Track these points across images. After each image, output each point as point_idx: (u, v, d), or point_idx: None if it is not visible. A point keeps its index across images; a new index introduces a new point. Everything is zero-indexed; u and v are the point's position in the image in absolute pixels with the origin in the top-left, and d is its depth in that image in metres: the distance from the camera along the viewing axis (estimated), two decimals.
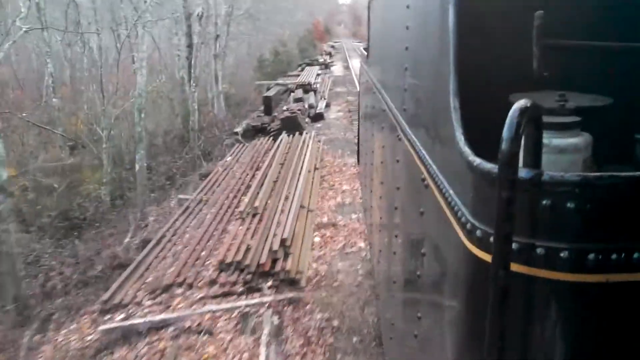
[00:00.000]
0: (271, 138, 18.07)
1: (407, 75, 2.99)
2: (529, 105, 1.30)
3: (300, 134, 18.02)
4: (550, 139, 1.57)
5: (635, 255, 1.29)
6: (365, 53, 7.48)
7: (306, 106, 22.00)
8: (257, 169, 14.40)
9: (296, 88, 28.39)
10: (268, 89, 26.69)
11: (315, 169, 14.01)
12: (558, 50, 2.02)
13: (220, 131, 20.32)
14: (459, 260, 1.69)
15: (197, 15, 19.93)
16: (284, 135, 17.82)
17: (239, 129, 19.75)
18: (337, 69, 48.43)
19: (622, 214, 1.30)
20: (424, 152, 2.35)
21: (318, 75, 34.32)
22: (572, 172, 1.32)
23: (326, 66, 48.05)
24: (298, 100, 22.73)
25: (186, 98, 22.48)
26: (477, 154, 1.57)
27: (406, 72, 3.01)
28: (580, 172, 1.46)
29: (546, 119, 1.45)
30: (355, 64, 49.72)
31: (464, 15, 1.90)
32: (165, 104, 23.60)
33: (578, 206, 1.30)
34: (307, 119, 21.10)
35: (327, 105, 26.23)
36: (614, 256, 1.29)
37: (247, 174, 13.91)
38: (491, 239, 1.40)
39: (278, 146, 16.38)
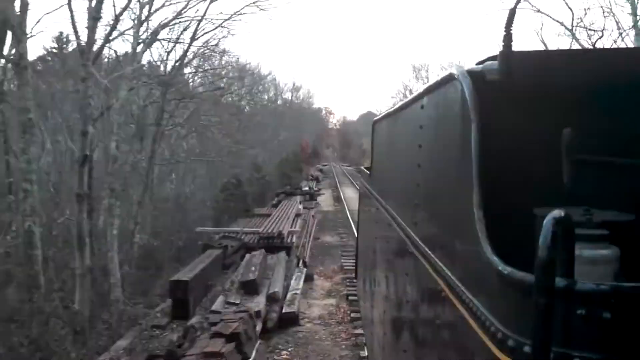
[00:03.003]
0: None
1: (419, 190, 3.05)
2: (563, 215, 1.34)
3: None
4: (581, 250, 1.53)
5: None
6: (367, 172, 7.42)
7: (260, 307, 10.37)
8: None
9: (258, 242, 17.17)
10: (205, 247, 15.32)
11: None
12: (585, 166, 2.02)
13: None
14: None
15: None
16: None
17: None
18: (325, 200, 37.91)
19: None
20: (440, 264, 2.33)
21: (297, 215, 23.36)
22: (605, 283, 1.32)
23: (311, 197, 37.57)
24: (248, 287, 11.24)
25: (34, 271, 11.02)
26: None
27: (418, 187, 3.08)
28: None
29: (576, 230, 1.45)
30: (349, 193, 39.48)
31: (485, 131, 1.95)
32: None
33: (614, 316, 1.27)
34: (257, 340, 9.36)
35: (309, 279, 14.83)
36: None
37: None
38: (525, 348, 1.38)
39: None
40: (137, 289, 16.75)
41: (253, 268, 12.49)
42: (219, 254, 14.07)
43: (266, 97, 57.16)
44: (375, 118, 6.75)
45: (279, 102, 67.44)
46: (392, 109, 4.93)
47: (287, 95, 72.93)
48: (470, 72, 2.19)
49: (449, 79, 2.39)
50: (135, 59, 14.62)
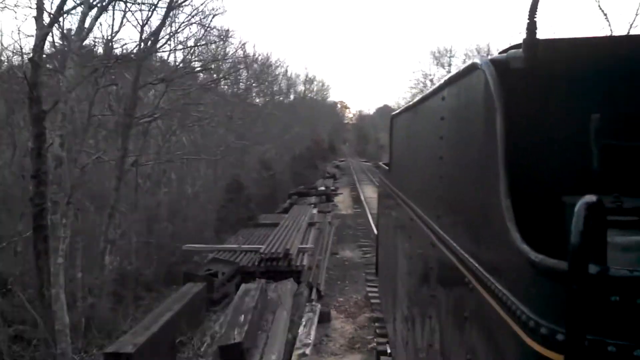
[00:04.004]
0: None
1: (442, 183, 3.05)
2: (595, 200, 1.33)
3: None
4: (612, 237, 1.48)
5: None
6: (386, 167, 7.27)
7: None
8: None
9: (258, 265, 13.33)
10: (187, 278, 11.54)
11: None
12: (614, 152, 1.96)
13: None
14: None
15: None
16: None
17: None
18: (343, 202, 34.01)
19: None
20: (466, 255, 2.35)
21: (311, 224, 19.43)
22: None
23: (328, 197, 33.69)
24: (230, 356, 7.45)
25: None
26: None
27: (441, 180, 3.08)
28: None
29: (608, 216, 1.43)
30: (369, 192, 35.38)
31: (510, 120, 1.96)
32: None
33: None
34: None
35: (324, 318, 10.98)
36: None
37: None
38: (558, 336, 1.38)
39: None
40: (104, 327, 13.12)
41: (242, 318, 8.63)
42: (200, 290, 10.25)
43: (276, 88, 52.90)
44: (393, 113, 6.70)
45: (292, 96, 63.51)
46: (410, 103, 5.10)
47: (300, 88, 68.77)
48: (494, 61, 2.19)
49: (472, 68, 2.40)
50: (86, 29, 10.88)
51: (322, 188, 36.25)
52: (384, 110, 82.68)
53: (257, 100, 41.12)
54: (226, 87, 38.12)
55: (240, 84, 33.37)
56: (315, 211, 24.88)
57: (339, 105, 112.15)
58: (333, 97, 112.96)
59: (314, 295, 12.28)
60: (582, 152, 1.92)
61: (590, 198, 1.32)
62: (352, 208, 30.58)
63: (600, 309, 1.30)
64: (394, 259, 5.51)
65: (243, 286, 11.23)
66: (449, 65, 53.50)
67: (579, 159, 1.94)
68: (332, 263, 16.17)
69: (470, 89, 2.46)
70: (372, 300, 11.87)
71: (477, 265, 2.13)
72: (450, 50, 53.82)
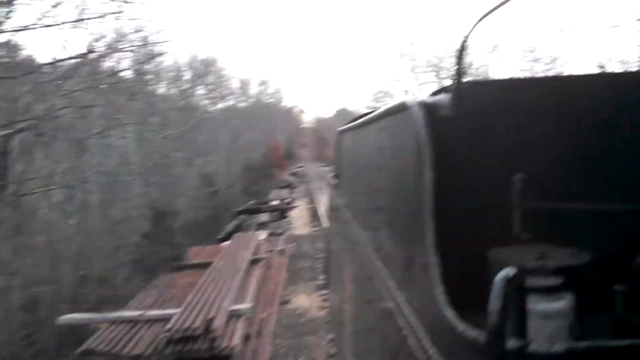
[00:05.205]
0: None
1: (382, 213, 2.97)
2: (513, 273, 1.35)
3: None
4: (535, 304, 1.49)
5: None
6: (335, 180, 6.97)
7: None
8: None
9: (163, 350, 8.78)
10: None
11: None
12: (538, 212, 1.98)
13: None
14: None
15: None
16: None
17: None
18: (299, 218, 29.59)
19: None
20: (398, 300, 2.29)
21: (254, 261, 14.91)
22: (559, 340, 1.32)
23: (282, 213, 29.31)
24: None
25: None
26: (457, 308, 1.57)
27: (381, 210, 3.00)
28: (566, 338, 1.45)
29: (528, 280, 1.45)
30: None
31: (439, 167, 1.96)
32: None
33: None
34: None
35: None
36: None
37: None
38: None
39: None
40: None
41: None
42: None
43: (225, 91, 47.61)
44: (339, 128, 6.74)
45: (243, 102, 58.57)
46: (355, 122, 5.00)
47: (253, 91, 63.96)
48: (424, 104, 2.18)
49: (402, 108, 2.38)
50: None
51: (276, 202, 31.87)
52: (343, 113, 79.28)
53: (205, 102, 36.37)
54: (165, 88, 33.35)
55: (183, 84, 28.76)
56: (264, 235, 20.49)
57: (294, 110, 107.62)
58: (288, 102, 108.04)
59: None
60: (509, 203, 1.88)
61: (509, 272, 1.31)
62: (309, 226, 26.23)
63: None
64: (342, 277, 5.31)
65: None
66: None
67: (507, 210, 1.88)
68: (280, 322, 11.76)
69: (401, 128, 2.43)
70: None
71: (408, 314, 2.08)
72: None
